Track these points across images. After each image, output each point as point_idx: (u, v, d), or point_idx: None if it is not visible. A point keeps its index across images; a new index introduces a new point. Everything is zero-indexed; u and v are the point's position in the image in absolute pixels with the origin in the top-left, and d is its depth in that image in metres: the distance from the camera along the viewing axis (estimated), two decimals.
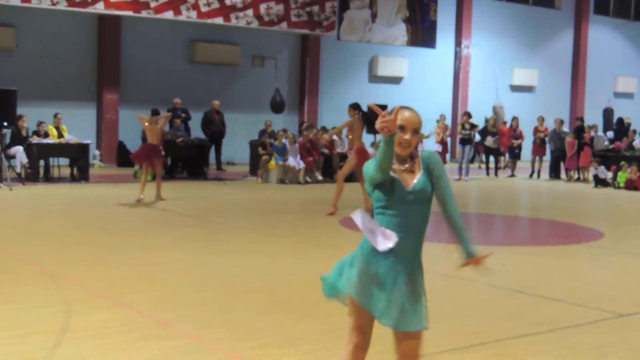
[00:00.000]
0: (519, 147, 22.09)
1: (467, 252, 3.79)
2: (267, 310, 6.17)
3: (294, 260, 8.45)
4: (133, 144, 20.21)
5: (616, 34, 31.74)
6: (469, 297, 7.01)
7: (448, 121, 24.14)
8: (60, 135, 16.69)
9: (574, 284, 7.67)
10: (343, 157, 17.95)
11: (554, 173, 21.07)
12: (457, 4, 27.40)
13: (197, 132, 19.85)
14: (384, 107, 3.59)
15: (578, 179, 20.68)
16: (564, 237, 11.35)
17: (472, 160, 22.08)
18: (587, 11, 30.61)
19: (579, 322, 6.08)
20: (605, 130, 25.67)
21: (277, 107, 21.13)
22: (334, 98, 24.24)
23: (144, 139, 19.23)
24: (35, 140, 16.11)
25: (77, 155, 16.58)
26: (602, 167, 19.26)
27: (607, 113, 28.76)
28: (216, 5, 20.94)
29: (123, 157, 20.53)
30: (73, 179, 16.42)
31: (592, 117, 28.20)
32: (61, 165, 17.02)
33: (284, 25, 22.28)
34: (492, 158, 21.70)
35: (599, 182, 19.01)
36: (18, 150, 15.86)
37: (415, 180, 3.58)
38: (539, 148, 21.53)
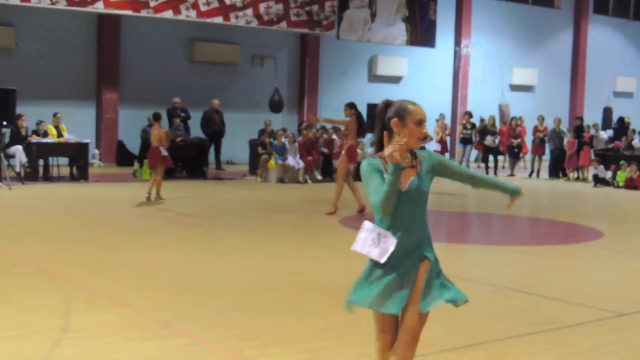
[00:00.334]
0: (518, 146, 22.09)
1: (512, 191, 4.15)
2: (266, 309, 6.17)
3: (293, 259, 8.45)
4: (132, 144, 20.23)
5: (616, 33, 31.74)
6: (468, 297, 7.00)
7: (447, 120, 24.16)
8: (60, 135, 16.69)
9: (574, 284, 7.67)
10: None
11: (554, 172, 21.08)
12: (457, 4, 27.40)
13: (196, 131, 19.84)
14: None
15: (577, 179, 20.68)
16: (564, 236, 11.36)
17: (483, 160, 22.12)
18: (586, 10, 30.61)
19: (579, 322, 6.09)
20: (604, 129, 25.67)
21: (275, 106, 21.13)
22: (333, 97, 24.22)
23: (143, 138, 19.28)
24: (34, 139, 16.10)
25: (77, 154, 16.58)
26: (602, 167, 19.27)
27: (606, 112, 28.76)
28: (215, 4, 20.93)
29: (122, 157, 20.54)
30: (72, 178, 16.42)
31: (592, 116, 28.22)
32: (60, 164, 17.01)
33: (283, 24, 22.27)
34: (491, 157, 21.71)
35: (599, 181, 19.02)
36: (17, 149, 15.86)
37: (412, 178, 3.67)
38: (538, 147, 21.55)
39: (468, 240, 10.88)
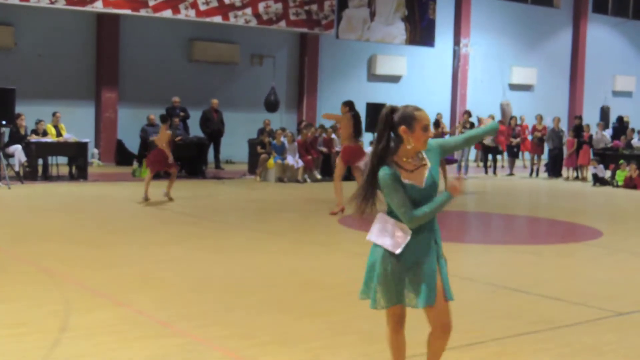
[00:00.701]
0: (518, 145, 22.10)
1: (494, 129, 4.28)
2: (266, 309, 6.17)
3: (292, 258, 8.45)
4: (132, 143, 20.23)
5: (615, 32, 31.75)
6: (467, 296, 7.00)
7: (446, 120, 24.17)
8: (59, 134, 16.69)
9: (573, 283, 7.68)
10: None
11: (553, 172, 21.08)
12: (456, 3, 27.40)
13: (195, 130, 19.84)
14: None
15: (577, 178, 20.69)
16: (563, 236, 11.36)
17: (482, 159, 22.17)
18: (585, 10, 30.62)
19: (578, 321, 6.09)
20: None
21: (271, 106, 21.15)
22: (332, 97, 24.21)
23: (142, 137, 19.27)
24: (33, 138, 16.10)
25: (76, 153, 16.58)
26: (601, 166, 19.27)
27: (604, 111, 28.77)
28: (214, 4, 20.93)
29: (121, 156, 20.54)
30: (72, 177, 16.41)
31: (591, 115, 28.24)
32: (60, 163, 17.00)
33: (282, 23, 22.27)
34: (490, 156, 21.73)
35: (598, 180, 19.03)
36: (17, 148, 15.86)
37: (426, 174, 3.92)
38: (536, 147, 21.55)
39: (467, 240, 10.88)
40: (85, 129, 19.67)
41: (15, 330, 5.34)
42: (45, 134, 16.45)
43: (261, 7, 21.70)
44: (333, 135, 19.16)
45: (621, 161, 19.13)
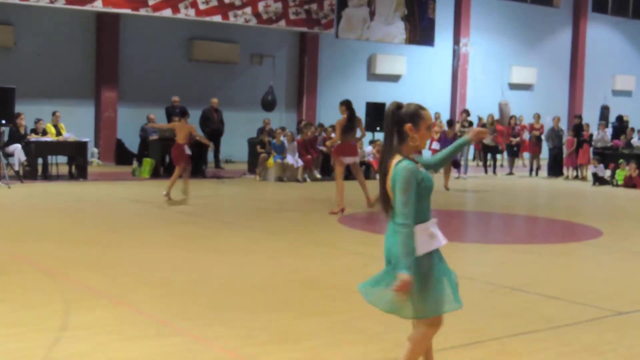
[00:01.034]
0: (518, 145, 22.10)
1: (467, 142, 4.33)
2: (265, 308, 6.17)
3: (292, 258, 8.45)
4: (131, 142, 20.23)
5: (614, 31, 31.75)
6: (467, 295, 6.99)
7: (446, 119, 24.09)
8: (59, 133, 16.69)
9: (572, 282, 7.68)
10: None
11: (553, 171, 21.09)
12: (456, 2, 27.39)
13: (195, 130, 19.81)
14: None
15: (577, 177, 20.69)
16: (563, 235, 11.37)
17: (482, 159, 22.19)
18: (585, 9, 30.62)
19: (578, 320, 6.09)
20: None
21: (268, 105, 21.17)
22: (332, 96, 24.21)
23: (142, 137, 19.27)
24: (33, 138, 16.10)
25: (76, 153, 16.58)
26: (601, 166, 19.27)
27: (604, 111, 28.76)
28: (214, 3, 20.92)
29: (121, 155, 20.54)
30: (71, 176, 16.41)
31: (591, 115, 28.23)
32: (59, 163, 17.01)
33: (282, 23, 22.27)
34: (489, 156, 21.72)
35: (598, 180, 19.03)
36: (16, 148, 15.86)
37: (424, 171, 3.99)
38: (534, 146, 21.54)
39: (467, 239, 10.88)
40: (84, 128, 19.67)
41: (15, 329, 5.34)
42: (45, 133, 16.45)
43: (261, 6, 21.69)
44: (332, 135, 19.13)
45: (621, 160, 19.13)
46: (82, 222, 10.70)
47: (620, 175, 18.67)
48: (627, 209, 14.89)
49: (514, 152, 22.11)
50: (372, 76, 25.65)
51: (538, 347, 5.33)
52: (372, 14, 24.62)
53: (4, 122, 14.90)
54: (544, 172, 21.37)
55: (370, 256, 8.09)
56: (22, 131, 16.18)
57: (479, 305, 6.52)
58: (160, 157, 17.75)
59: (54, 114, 17.00)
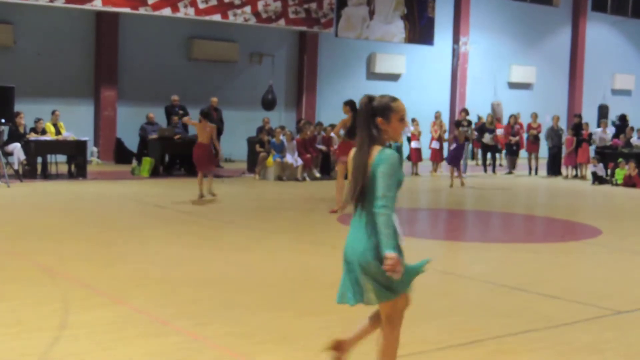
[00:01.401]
0: (517, 144, 22.09)
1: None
2: (265, 307, 6.18)
3: (291, 257, 8.46)
4: (131, 141, 20.22)
5: (614, 31, 31.75)
6: (466, 294, 7.02)
7: (445, 118, 24.15)
8: (58, 132, 16.69)
9: (572, 281, 7.68)
10: None
11: (552, 170, 21.08)
12: (455, 1, 27.39)
13: (195, 129, 19.79)
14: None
15: (576, 176, 20.69)
16: (562, 234, 11.36)
17: (482, 158, 22.21)
18: (584, 8, 30.62)
19: (577, 319, 6.09)
20: (599, 127, 25.62)
21: (267, 104, 21.16)
22: (331, 95, 24.23)
23: (141, 136, 19.25)
24: (32, 137, 16.10)
25: (75, 152, 16.58)
26: (601, 165, 19.27)
27: (602, 110, 28.76)
28: (214, 2, 20.92)
29: (121, 154, 20.54)
30: (71, 175, 16.41)
31: (590, 114, 28.23)
32: (59, 162, 17.00)
33: (281, 22, 22.26)
34: (489, 155, 21.72)
35: (597, 179, 19.03)
36: (16, 147, 15.86)
37: None
38: (532, 145, 21.55)
39: (466, 238, 10.89)
40: (84, 127, 19.67)
41: (14, 328, 5.34)
42: (44, 132, 16.44)
43: (260, 5, 21.68)
44: (332, 134, 19.14)
45: (620, 160, 19.13)
46: (81, 221, 10.69)
47: (619, 174, 18.68)
48: (627, 208, 14.89)
49: (513, 151, 22.10)
50: (372, 75, 25.65)
51: (537, 346, 5.33)
52: (371, 13, 24.62)
53: (3, 121, 14.90)
54: (543, 171, 21.37)
55: None
56: (21, 130, 16.18)
57: (479, 305, 6.53)
58: (160, 156, 17.76)
59: (53, 113, 17.00)
